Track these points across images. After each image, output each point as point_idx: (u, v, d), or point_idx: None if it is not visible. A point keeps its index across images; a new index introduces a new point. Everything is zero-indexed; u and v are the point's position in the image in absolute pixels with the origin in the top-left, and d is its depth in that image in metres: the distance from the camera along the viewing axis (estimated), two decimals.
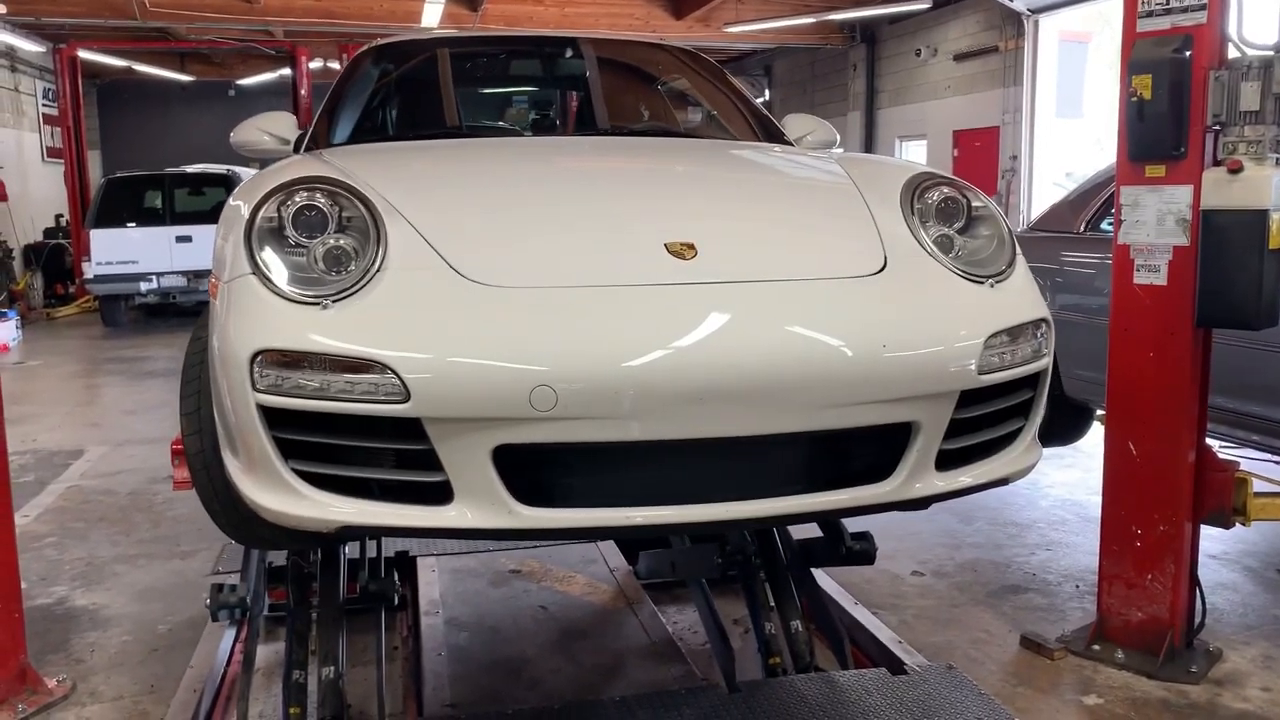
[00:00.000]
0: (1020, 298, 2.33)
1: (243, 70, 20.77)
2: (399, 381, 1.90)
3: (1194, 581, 3.50)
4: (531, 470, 1.97)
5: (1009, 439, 2.31)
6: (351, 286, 2.06)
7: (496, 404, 1.89)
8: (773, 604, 3.49)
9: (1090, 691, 3.33)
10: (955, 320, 2.19)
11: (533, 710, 3.17)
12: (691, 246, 2.19)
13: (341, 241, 2.14)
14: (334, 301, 2.02)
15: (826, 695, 3.21)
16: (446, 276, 2.09)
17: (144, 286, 13.10)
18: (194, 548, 4.85)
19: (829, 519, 2.72)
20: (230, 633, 3.73)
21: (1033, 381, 2.32)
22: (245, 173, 15.21)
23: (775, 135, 3.49)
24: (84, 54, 15.97)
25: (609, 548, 4.59)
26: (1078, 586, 4.25)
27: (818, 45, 17.29)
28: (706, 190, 2.74)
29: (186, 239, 13.15)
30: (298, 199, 2.18)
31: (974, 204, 2.49)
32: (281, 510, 2.01)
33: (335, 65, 17.48)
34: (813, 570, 3.56)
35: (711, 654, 3.60)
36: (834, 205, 2.58)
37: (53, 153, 17.95)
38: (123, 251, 12.96)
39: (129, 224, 13.22)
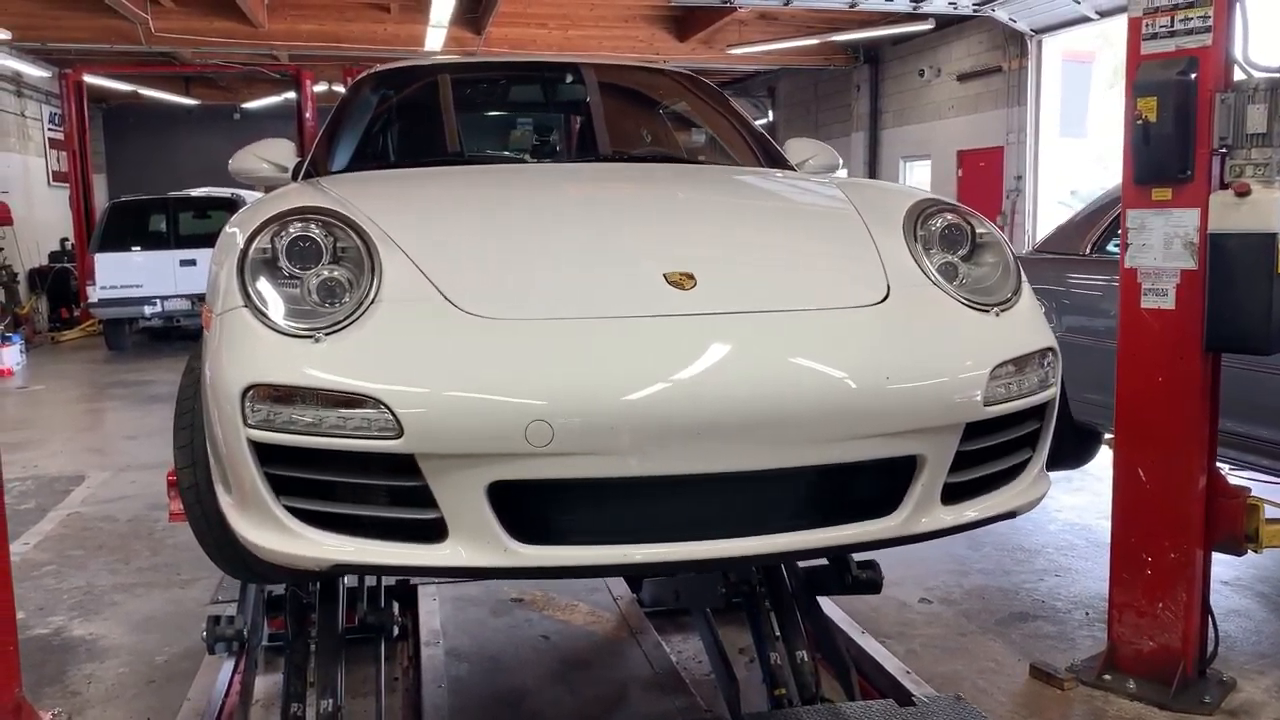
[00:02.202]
0: (1026, 327, 2.29)
1: (248, 94, 20.88)
2: (391, 417, 1.86)
3: (1206, 609, 3.44)
4: (528, 507, 1.93)
5: (1016, 471, 2.27)
6: (345, 319, 2.02)
7: (491, 439, 1.85)
8: (778, 633, 3.44)
9: None
10: (960, 350, 2.15)
11: None
12: (691, 277, 2.16)
13: (335, 273, 2.11)
14: (327, 334, 1.99)
15: None
16: (441, 309, 2.05)
17: (148, 310, 13.10)
18: (193, 576, 4.80)
19: (834, 555, 2.67)
20: (228, 664, 3.69)
21: (1040, 412, 2.28)
22: (250, 196, 15.26)
23: (777, 160, 3.46)
24: (90, 79, 16.04)
25: (613, 577, 4.54)
26: (1088, 614, 4.18)
27: (821, 66, 17.31)
28: (706, 218, 2.70)
29: (191, 263, 13.15)
30: (292, 230, 2.15)
31: (978, 230, 2.45)
32: (273, 548, 1.97)
33: (339, 88, 17.55)
34: (818, 598, 3.51)
35: (716, 684, 3.55)
36: (836, 233, 2.54)
37: (58, 177, 18.01)
38: (127, 275, 12.97)
39: (133, 248, 13.23)
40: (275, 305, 2.06)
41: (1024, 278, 2.39)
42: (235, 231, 2.33)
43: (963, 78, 14.25)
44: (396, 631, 3.40)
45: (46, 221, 17.27)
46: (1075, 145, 12.98)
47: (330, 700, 3.10)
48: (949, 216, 2.46)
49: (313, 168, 3.21)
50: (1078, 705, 3.40)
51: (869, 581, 3.36)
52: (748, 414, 1.91)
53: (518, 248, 2.35)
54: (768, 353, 2.02)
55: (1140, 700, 3.37)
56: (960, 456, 2.11)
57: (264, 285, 2.09)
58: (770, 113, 20.71)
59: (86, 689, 3.65)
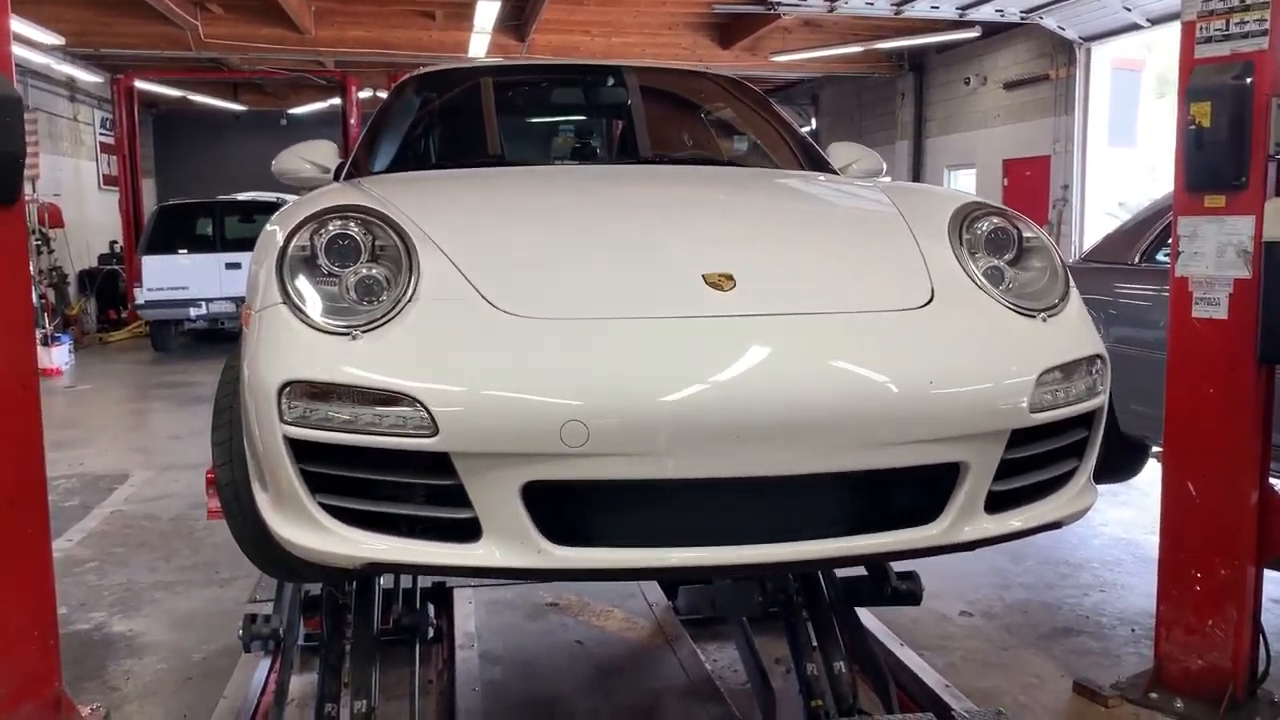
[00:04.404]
0: (1074, 332, 2.24)
1: (294, 100, 21.13)
2: (427, 414, 1.85)
3: (1257, 628, 3.35)
4: (562, 508, 1.91)
5: (1062, 480, 2.21)
6: (382, 317, 2.02)
7: (526, 439, 1.83)
8: (815, 644, 3.39)
9: None
10: (1006, 356, 2.10)
11: None
12: (730, 278, 2.13)
13: (374, 271, 2.11)
14: (364, 332, 1.98)
15: None
16: (479, 307, 2.04)
17: (194, 312, 13.30)
18: (232, 575, 4.83)
19: (872, 563, 2.62)
20: (265, 663, 3.70)
21: (1087, 420, 2.22)
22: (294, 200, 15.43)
23: (820, 164, 3.42)
24: (140, 84, 16.32)
25: (648, 583, 4.51)
26: (1134, 630, 4.09)
27: (865, 74, 17.21)
28: (746, 220, 2.67)
29: (236, 266, 13.31)
30: (331, 228, 2.15)
31: (1025, 235, 2.40)
32: (308, 545, 1.96)
33: (384, 94, 17.74)
34: (856, 610, 3.46)
35: (752, 694, 3.51)
36: (879, 235, 2.50)
37: (109, 180, 18.32)
38: (174, 278, 13.17)
39: (180, 251, 13.44)
40: (313, 302, 2.06)
41: (1072, 283, 2.34)
42: (275, 230, 2.33)
43: (1009, 86, 14.08)
44: (431, 634, 3.40)
45: (96, 224, 17.57)
46: (1124, 155, 12.77)
47: (365, 701, 3.10)
48: (995, 220, 2.41)
49: (354, 168, 3.22)
50: None
51: (908, 593, 3.30)
52: (786, 417, 1.88)
53: (555, 248, 2.34)
54: (807, 355, 1.98)
55: None
56: (1005, 464, 2.06)
57: (302, 282, 2.09)
58: (814, 120, 20.61)
59: (125, 685, 3.68)
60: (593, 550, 1.90)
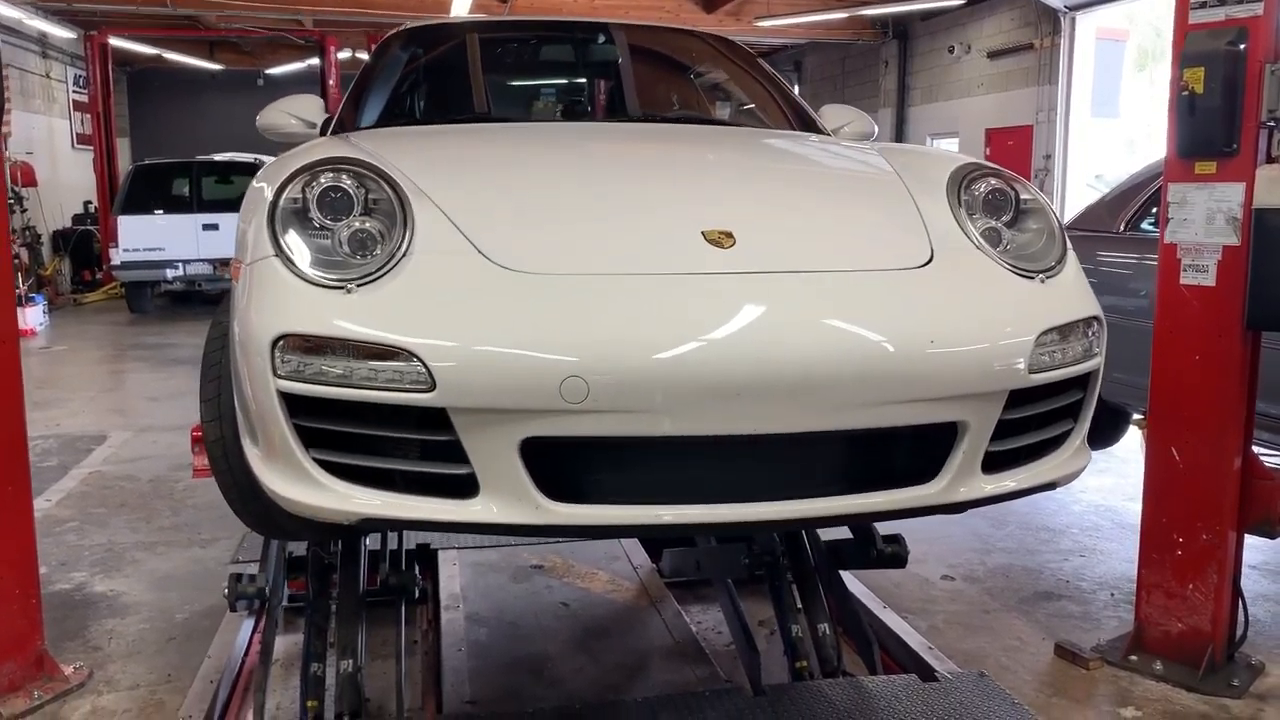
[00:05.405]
0: (1072, 294, 2.24)
1: (272, 59, 20.82)
2: (424, 369, 1.83)
3: (1236, 592, 3.39)
4: (559, 464, 1.89)
5: (1057, 442, 2.21)
6: (377, 271, 1.99)
7: (525, 395, 1.81)
8: (800, 606, 3.41)
9: (1128, 703, 3.23)
10: (1005, 316, 2.10)
11: (554, 710, 3.11)
12: (730, 235, 2.11)
13: (367, 224, 2.07)
14: (358, 286, 1.95)
15: (855, 701, 3.13)
16: (475, 262, 2.01)
17: (170, 274, 13.15)
18: (214, 536, 4.81)
19: (868, 522, 2.63)
20: (248, 623, 3.69)
21: (1083, 382, 2.23)
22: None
23: (811, 125, 3.40)
24: (115, 41, 16.03)
25: (632, 545, 4.52)
26: (1113, 595, 4.14)
27: (849, 41, 17.12)
28: (744, 178, 2.64)
29: (213, 227, 13.17)
30: (323, 180, 2.11)
31: (1022, 196, 2.39)
32: (301, 500, 1.94)
33: (364, 55, 17.47)
34: (840, 573, 3.48)
35: (736, 655, 3.53)
36: (877, 196, 2.48)
37: (82, 139, 18.03)
38: (150, 238, 13.00)
39: (156, 211, 13.26)
40: (305, 255, 2.02)
41: (1069, 245, 2.34)
42: (264, 185, 2.29)
43: (993, 55, 14.04)
44: (417, 594, 3.39)
45: (70, 184, 17.31)
46: (1106, 126, 12.78)
47: (350, 661, 3.09)
48: (993, 181, 2.40)
49: (341, 124, 3.17)
50: (1103, 685, 3.36)
51: (894, 555, 3.32)
52: (788, 375, 1.87)
53: (551, 203, 2.31)
54: (808, 314, 1.97)
55: (1167, 682, 3.33)
56: (1002, 425, 2.07)
57: (294, 236, 2.06)
58: (797, 87, 20.52)
59: (108, 644, 3.65)
60: (591, 507, 1.89)
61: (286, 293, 1.96)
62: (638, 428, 1.84)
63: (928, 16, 15.46)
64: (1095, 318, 2.23)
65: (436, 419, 1.86)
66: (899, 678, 3.28)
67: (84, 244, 16.15)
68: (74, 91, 18.35)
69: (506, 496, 1.86)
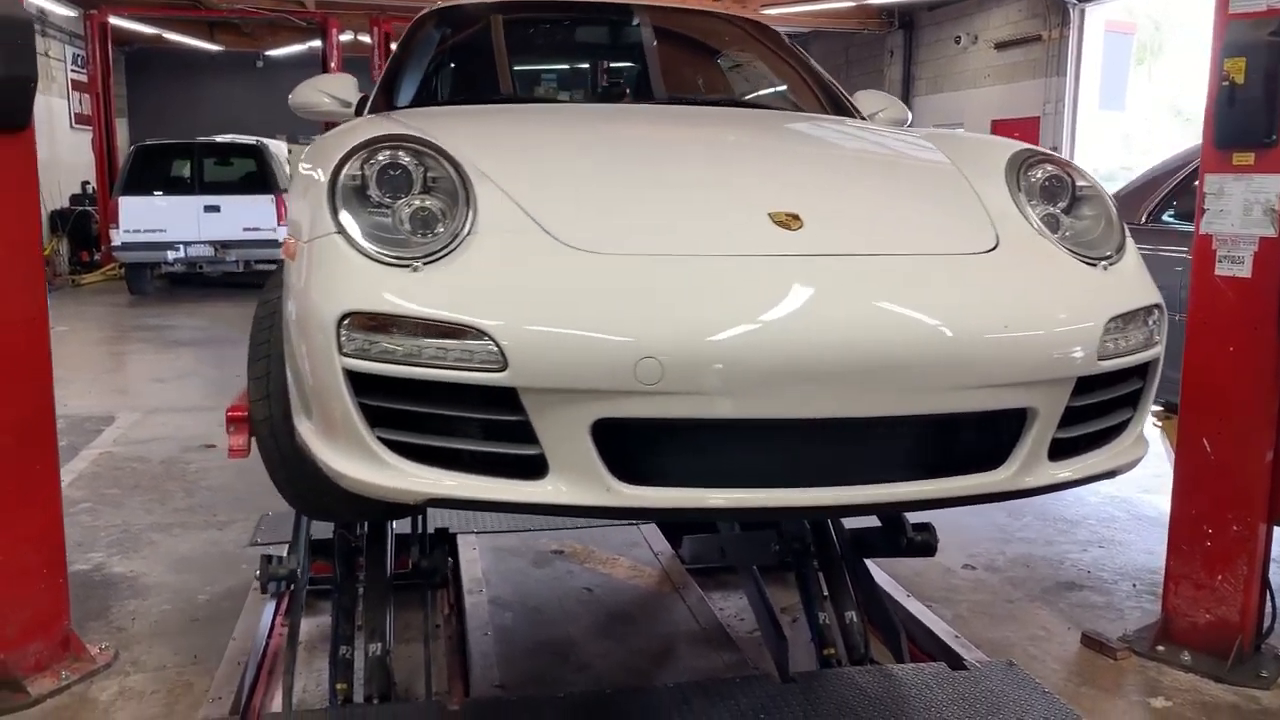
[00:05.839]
0: (1134, 281, 2.23)
1: (271, 41, 20.69)
2: (496, 348, 1.80)
3: (1265, 584, 3.39)
4: (627, 446, 1.87)
5: (1117, 430, 2.21)
6: (441, 250, 1.96)
7: (599, 376, 1.79)
8: (826, 593, 3.40)
9: (1158, 693, 3.23)
10: (1075, 302, 2.08)
11: (585, 694, 3.10)
12: (796, 217, 2.09)
13: (427, 202, 2.04)
14: (425, 264, 1.93)
15: (885, 688, 3.13)
16: (543, 241, 1.99)
17: (171, 255, 13.08)
18: (230, 518, 4.79)
19: (936, 508, 2.60)
20: (270, 605, 3.67)
21: (1142, 371, 2.22)
22: (274, 144, 15.15)
23: (848, 111, 3.38)
24: (114, 20, 15.92)
25: (652, 531, 4.51)
26: (1134, 585, 4.14)
27: (855, 30, 17.08)
28: (803, 160, 2.62)
29: (215, 209, 13.12)
30: (381, 157, 2.08)
31: (1079, 183, 2.37)
32: (365, 480, 1.92)
33: (365, 39, 17.36)
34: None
35: (761, 642, 3.52)
36: (935, 181, 2.46)
37: (81, 119, 17.91)
38: (151, 220, 12.93)
39: (158, 192, 13.18)
40: (368, 233, 1.99)
41: (1127, 232, 2.32)
42: (313, 164, 2.26)
43: (1000, 46, 14.03)
44: (447, 577, 3.38)
45: (68, 164, 17.19)
46: (1114, 118, 12.77)
47: (379, 644, 3.08)
48: (1049, 167, 2.39)
49: (378, 103, 3.14)
50: (1131, 675, 3.36)
51: (924, 544, 3.32)
52: (865, 359, 1.85)
53: (612, 183, 2.28)
54: (886, 297, 1.95)
55: (1195, 673, 3.33)
56: (1068, 412, 2.06)
57: (355, 213, 2.03)
58: None
59: (131, 625, 3.64)
60: (663, 490, 1.87)
61: (351, 270, 1.93)
62: (712, 410, 1.82)
63: (934, 6, 15.43)
64: (1157, 305, 2.22)
65: (506, 399, 1.83)
66: (928, 666, 3.28)
67: (82, 225, 16.05)
68: (72, 71, 18.22)
69: (576, 477, 1.84)
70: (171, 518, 4.82)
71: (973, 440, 2.03)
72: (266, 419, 2.29)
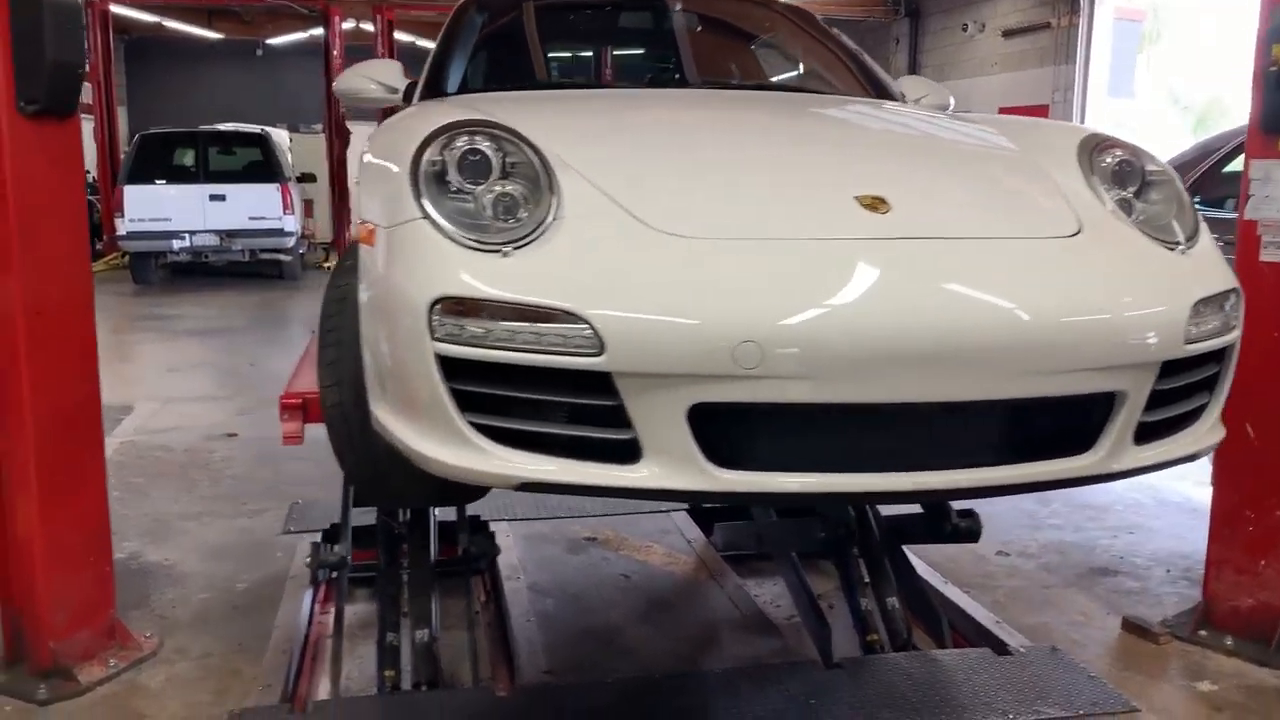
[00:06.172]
0: (1214, 266, 2.23)
1: (272, 29, 20.61)
2: (593, 333, 1.80)
3: None
4: (720, 431, 1.87)
5: (1195, 414, 2.21)
6: (528, 235, 1.95)
7: (698, 360, 1.79)
8: (867, 579, 3.41)
9: (1202, 678, 3.24)
10: (1163, 286, 2.09)
11: (633, 680, 3.11)
12: (883, 200, 2.08)
13: (509, 188, 2.03)
14: (515, 249, 1.92)
15: (932, 674, 3.14)
16: (631, 226, 1.98)
17: (176, 245, 13.05)
18: (260, 506, 4.78)
19: (1027, 492, 2.61)
20: (309, 593, 3.67)
21: (1219, 356, 2.22)
22: (277, 133, 15.10)
23: (893, 95, 3.37)
24: (115, 8, 15.84)
25: (683, 518, 4.52)
26: (1168, 571, 4.15)
27: (860, 18, 17.05)
28: (878, 143, 2.62)
29: (220, 198, 13.08)
30: (460, 143, 2.07)
31: (1149, 167, 2.37)
32: (456, 464, 1.91)
33: (368, 27, 17.29)
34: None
35: (802, 628, 3.53)
36: (1008, 166, 2.46)
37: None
38: (156, 209, 12.89)
39: (163, 181, 13.13)
40: (454, 218, 1.98)
41: (1200, 216, 2.33)
42: (388, 148, 2.26)
43: (1008, 34, 14.01)
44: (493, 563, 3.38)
45: None
46: (1124, 106, 12.78)
47: (425, 631, 3.09)
48: (1119, 152, 2.39)
49: (428, 89, 3.12)
50: (1175, 660, 3.37)
51: (968, 530, 3.32)
52: (965, 343, 1.85)
53: (694, 166, 2.27)
54: (981, 280, 1.95)
55: (1239, 657, 3.34)
56: (1152, 396, 2.06)
57: (438, 198, 2.02)
58: None
59: (173, 613, 3.63)
60: (758, 474, 1.87)
61: (440, 256, 1.92)
62: (808, 394, 1.82)
63: None
64: (1235, 290, 2.22)
65: (600, 383, 1.83)
66: (973, 651, 3.29)
67: None
68: None
69: (671, 462, 1.84)
70: (200, 506, 4.82)
71: (1060, 424, 2.03)
72: (338, 404, 2.29)
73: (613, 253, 1.94)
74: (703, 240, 1.96)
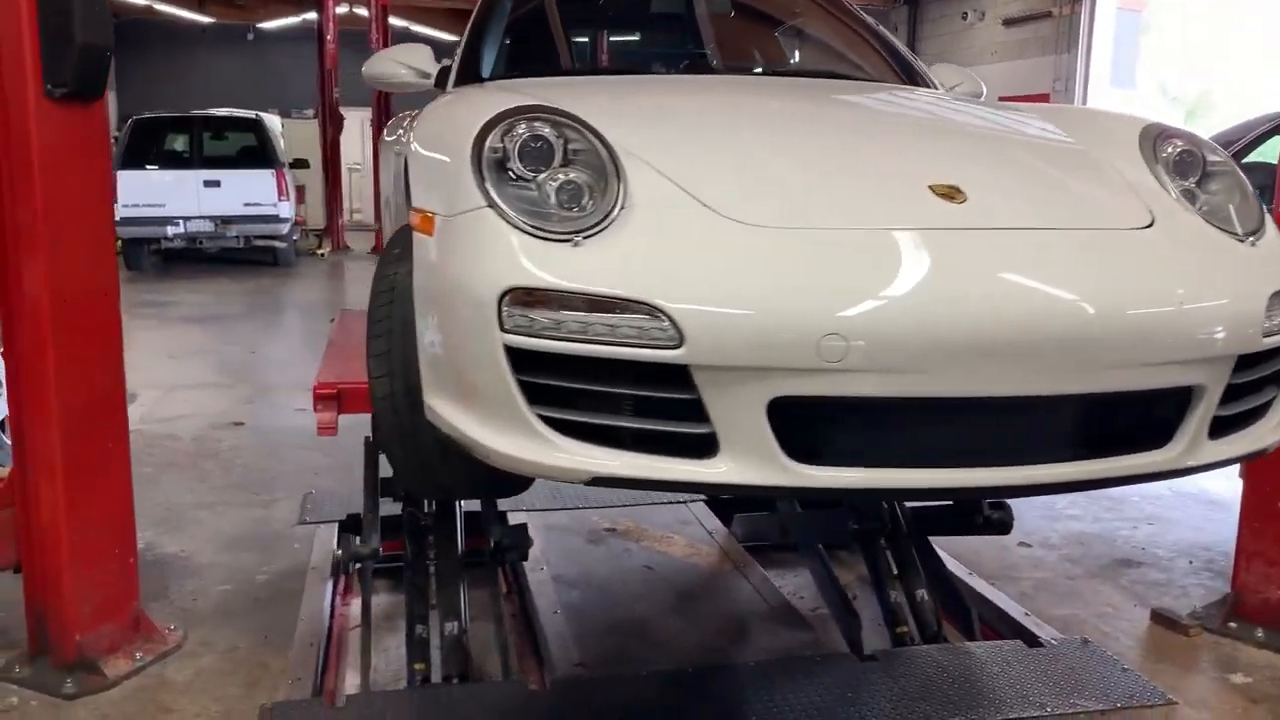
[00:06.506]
0: None
1: (263, 13, 20.41)
2: (671, 325, 1.75)
3: None
4: (799, 425, 1.83)
5: (1264, 408, 2.19)
6: (596, 225, 1.89)
7: (781, 353, 1.75)
8: (895, 572, 3.39)
9: (1235, 669, 3.24)
10: (1238, 278, 2.06)
11: (667, 672, 3.08)
12: (958, 190, 2.04)
13: (572, 175, 1.98)
14: (585, 238, 1.87)
15: (965, 666, 3.12)
16: (703, 215, 1.93)
17: (170, 230, 12.93)
18: (272, 496, 4.74)
19: (1104, 488, 2.59)
20: (329, 584, 3.64)
21: None
22: (271, 120, 14.96)
23: (928, 84, 3.33)
24: None
25: (702, 509, 4.49)
26: (1190, 562, 4.15)
27: (859, 4, 16.98)
28: (943, 132, 2.58)
29: (214, 184, 12.96)
30: (520, 130, 2.01)
31: (1210, 158, 2.34)
32: (525, 458, 1.86)
33: (361, 11, 17.15)
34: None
35: (830, 621, 3.51)
36: (1072, 156, 2.42)
37: None
38: (150, 194, 12.76)
39: (156, 167, 13.00)
40: (520, 207, 1.93)
41: (1265, 207, 2.30)
42: (442, 135, 2.21)
43: (1009, 22, 13.98)
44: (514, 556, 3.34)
45: None
46: (1125, 96, 12.78)
47: (455, 623, 3.05)
48: (1180, 142, 2.36)
49: (463, 74, 3.06)
50: (1206, 652, 3.37)
51: (1000, 522, 3.30)
52: (1048, 335, 1.81)
53: (758, 154, 2.22)
54: (1064, 271, 1.92)
55: (1270, 649, 3.34)
56: (1227, 390, 2.04)
57: (502, 186, 1.97)
58: None
59: (194, 605, 3.59)
60: (838, 470, 1.83)
61: (508, 245, 1.87)
62: (890, 388, 1.78)
63: None
64: None
65: (677, 376, 1.79)
66: (1005, 643, 3.27)
67: None
68: None
69: (749, 457, 1.80)
70: (213, 496, 4.77)
71: (1138, 418, 2.00)
72: (388, 395, 2.24)
73: (687, 242, 1.89)
74: (779, 230, 1.92)
